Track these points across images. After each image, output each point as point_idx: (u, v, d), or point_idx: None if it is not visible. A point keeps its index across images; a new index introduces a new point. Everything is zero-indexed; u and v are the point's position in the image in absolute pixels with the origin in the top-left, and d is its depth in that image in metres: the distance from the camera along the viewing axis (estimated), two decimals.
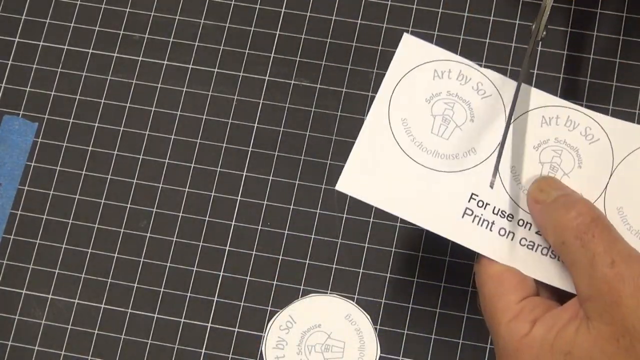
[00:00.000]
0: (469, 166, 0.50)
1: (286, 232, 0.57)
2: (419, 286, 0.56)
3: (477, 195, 0.49)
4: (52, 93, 0.61)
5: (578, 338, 0.44)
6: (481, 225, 0.49)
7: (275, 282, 0.57)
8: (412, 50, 0.50)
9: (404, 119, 0.50)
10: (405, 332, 0.56)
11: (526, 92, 0.50)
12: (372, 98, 0.59)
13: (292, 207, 0.58)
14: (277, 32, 0.61)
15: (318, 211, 0.58)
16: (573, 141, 0.50)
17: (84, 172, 0.59)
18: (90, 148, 0.60)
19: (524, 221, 0.49)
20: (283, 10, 0.61)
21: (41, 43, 0.62)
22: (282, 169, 0.59)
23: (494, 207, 0.49)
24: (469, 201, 0.49)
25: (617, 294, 0.44)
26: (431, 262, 0.57)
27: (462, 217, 0.49)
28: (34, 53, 0.61)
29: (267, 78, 0.60)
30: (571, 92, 0.59)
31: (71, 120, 0.60)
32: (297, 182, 0.58)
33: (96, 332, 0.57)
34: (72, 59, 0.61)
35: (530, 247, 0.48)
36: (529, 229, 0.49)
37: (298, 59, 0.60)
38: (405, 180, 0.49)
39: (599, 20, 0.60)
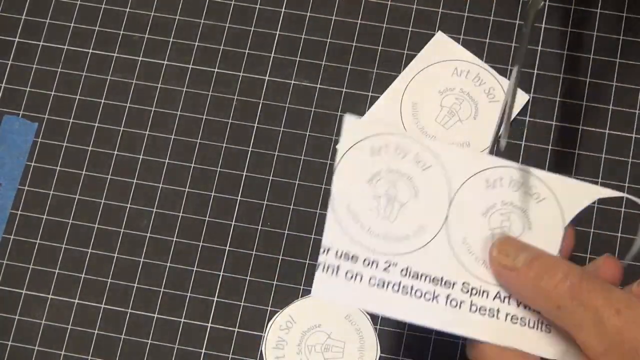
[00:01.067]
0: (420, 245, 0.48)
1: (286, 232, 0.57)
2: None
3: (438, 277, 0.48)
4: (52, 93, 0.61)
5: None
6: (458, 307, 0.48)
7: (275, 282, 0.57)
8: (351, 128, 0.49)
9: (349, 205, 0.49)
10: (405, 332, 0.56)
11: (465, 158, 0.49)
12: (372, 98, 0.59)
13: (292, 207, 0.58)
14: (277, 32, 0.61)
15: (318, 211, 0.58)
16: (520, 202, 0.48)
17: (84, 172, 0.59)
18: (90, 148, 0.60)
19: (501, 296, 0.47)
20: (283, 10, 0.61)
21: (41, 43, 0.62)
22: (282, 169, 0.59)
23: (462, 284, 0.48)
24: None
25: (633, 339, 0.43)
26: None
27: (432, 301, 0.48)
28: (34, 53, 0.61)
29: (267, 78, 0.60)
30: (571, 92, 0.59)
31: (71, 120, 0.60)
32: (297, 182, 0.58)
33: (96, 332, 0.57)
34: (72, 59, 0.61)
35: (515, 321, 0.47)
36: (509, 303, 0.47)
37: (298, 59, 0.60)
38: (370, 278, 0.49)
39: (598, 20, 0.60)
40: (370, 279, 0.49)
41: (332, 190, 0.48)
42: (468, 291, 0.48)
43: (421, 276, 0.48)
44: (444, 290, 0.48)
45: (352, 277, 0.49)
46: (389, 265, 0.48)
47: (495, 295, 0.48)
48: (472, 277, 0.48)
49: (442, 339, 0.55)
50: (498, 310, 0.47)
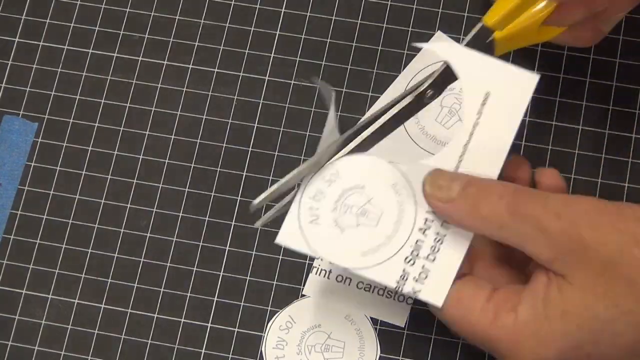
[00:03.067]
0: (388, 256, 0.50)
1: None
2: None
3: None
4: (52, 93, 0.61)
5: (565, 296, 0.44)
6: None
7: (275, 282, 0.57)
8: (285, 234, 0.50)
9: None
10: (405, 332, 0.56)
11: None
12: (372, 98, 0.59)
13: None
14: (277, 32, 0.61)
15: None
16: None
17: (84, 172, 0.59)
18: (90, 148, 0.60)
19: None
20: (283, 10, 0.61)
21: (41, 43, 0.62)
22: (282, 169, 0.59)
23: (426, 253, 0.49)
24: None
25: (578, 238, 0.44)
26: None
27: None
28: (34, 53, 0.61)
29: (267, 78, 0.60)
30: (571, 92, 0.59)
31: (71, 120, 0.60)
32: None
33: (96, 332, 0.57)
34: (72, 59, 0.61)
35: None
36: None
37: (298, 59, 0.60)
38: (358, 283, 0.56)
39: None
40: (358, 283, 0.56)
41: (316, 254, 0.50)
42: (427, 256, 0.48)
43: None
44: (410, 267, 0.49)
45: (342, 280, 0.56)
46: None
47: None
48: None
49: (443, 339, 0.55)
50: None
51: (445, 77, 0.50)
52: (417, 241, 0.48)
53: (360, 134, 0.50)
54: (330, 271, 0.56)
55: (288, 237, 0.49)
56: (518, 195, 0.46)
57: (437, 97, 0.50)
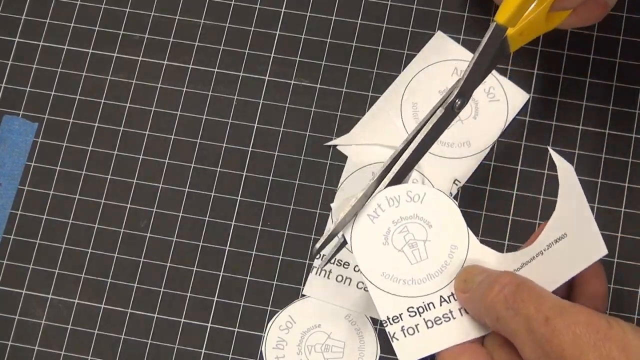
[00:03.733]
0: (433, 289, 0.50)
1: (286, 232, 0.57)
2: None
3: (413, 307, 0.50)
4: (52, 93, 0.61)
5: None
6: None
7: (275, 282, 0.57)
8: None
9: (383, 272, 0.50)
10: None
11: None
12: (372, 98, 0.59)
13: (292, 207, 0.58)
14: (277, 32, 0.61)
15: (318, 211, 0.58)
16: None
17: (84, 172, 0.59)
18: (90, 148, 0.60)
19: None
20: (283, 10, 0.61)
21: (41, 43, 0.62)
22: (282, 169, 0.59)
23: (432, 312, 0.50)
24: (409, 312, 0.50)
25: (559, 348, 0.43)
26: None
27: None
28: (34, 53, 0.61)
29: (267, 78, 0.60)
30: (571, 92, 0.59)
31: (71, 120, 0.60)
32: (297, 182, 0.58)
33: (96, 332, 0.57)
34: (72, 59, 0.61)
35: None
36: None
37: (298, 59, 0.60)
38: (358, 282, 0.55)
39: None
40: (358, 283, 0.55)
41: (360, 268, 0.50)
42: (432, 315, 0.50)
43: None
44: (413, 320, 0.50)
45: (342, 280, 0.55)
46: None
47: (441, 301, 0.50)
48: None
49: None
50: (453, 312, 0.50)
51: (470, 83, 0.50)
52: (430, 303, 0.49)
53: (401, 156, 0.50)
54: (330, 271, 0.56)
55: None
56: (519, 289, 0.46)
57: (466, 105, 0.51)
